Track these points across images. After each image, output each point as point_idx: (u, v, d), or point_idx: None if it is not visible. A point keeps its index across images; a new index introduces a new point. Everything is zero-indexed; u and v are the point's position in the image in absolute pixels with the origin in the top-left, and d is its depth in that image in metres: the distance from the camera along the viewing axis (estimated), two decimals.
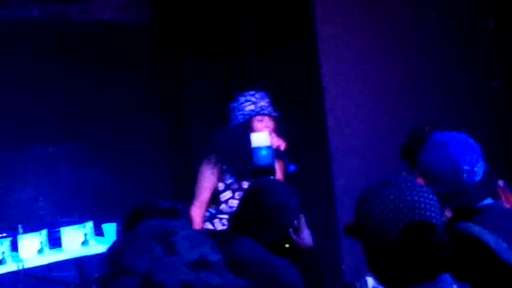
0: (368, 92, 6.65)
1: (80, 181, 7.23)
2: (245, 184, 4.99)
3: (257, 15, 6.95)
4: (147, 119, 6.38)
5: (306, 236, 3.62)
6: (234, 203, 4.96)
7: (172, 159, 7.54)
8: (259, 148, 3.95)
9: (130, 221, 3.16)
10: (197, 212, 5.09)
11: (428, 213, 2.21)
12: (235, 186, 5.07)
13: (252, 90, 5.18)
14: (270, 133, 4.86)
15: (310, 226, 3.78)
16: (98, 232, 6.37)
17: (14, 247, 5.75)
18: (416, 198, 2.20)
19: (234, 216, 3.64)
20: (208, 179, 5.09)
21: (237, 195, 5.03)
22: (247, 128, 4.95)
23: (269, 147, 3.97)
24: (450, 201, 2.89)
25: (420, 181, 2.80)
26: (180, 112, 7.62)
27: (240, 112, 5.05)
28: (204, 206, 5.14)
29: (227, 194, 5.08)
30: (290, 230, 3.53)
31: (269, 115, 5.06)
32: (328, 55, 6.53)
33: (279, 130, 5.09)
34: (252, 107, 5.04)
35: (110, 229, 6.26)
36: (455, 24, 6.78)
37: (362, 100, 6.63)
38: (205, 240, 2.05)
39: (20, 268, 5.53)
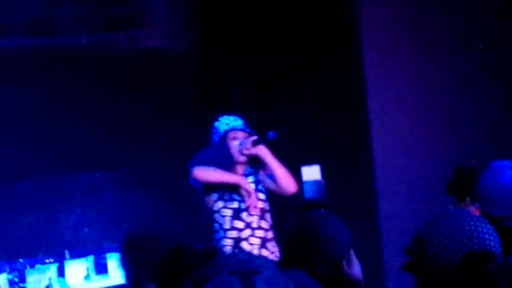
0: (413, 120, 6.65)
1: (125, 206, 7.27)
2: (236, 195, 5.35)
3: (304, 45, 6.98)
4: (193, 147, 6.38)
5: (356, 270, 3.61)
6: (227, 211, 5.37)
7: None
8: (309, 182, 3.96)
9: (169, 263, 3.23)
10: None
11: (487, 242, 2.21)
12: (226, 196, 5.37)
13: (226, 114, 5.57)
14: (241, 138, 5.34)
15: (355, 253, 3.79)
16: None
17: (61, 272, 5.80)
18: (473, 227, 2.21)
19: (284, 249, 3.65)
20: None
21: (228, 204, 5.36)
22: (224, 145, 5.39)
23: (319, 181, 3.99)
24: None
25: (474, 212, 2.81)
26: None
27: (217, 134, 5.44)
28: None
29: (219, 204, 5.38)
30: (343, 263, 3.52)
31: (242, 130, 5.41)
32: (374, 83, 6.55)
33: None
34: (225, 126, 5.42)
35: None
36: (499, 56, 6.76)
37: (407, 128, 6.63)
38: (287, 284, 2.03)
39: None
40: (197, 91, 7.71)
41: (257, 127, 7.30)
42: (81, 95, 7.14)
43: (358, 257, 3.75)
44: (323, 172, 3.79)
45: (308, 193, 3.98)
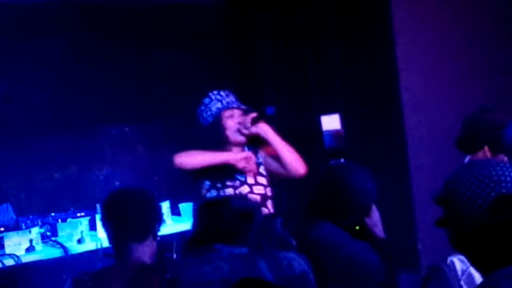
0: (444, 72, 6.59)
1: (155, 160, 7.31)
2: (230, 182, 4.84)
3: None
4: None
5: (376, 219, 3.61)
6: None
7: None
8: (329, 131, 3.92)
9: (202, 213, 3.19)
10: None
11: None
12: (219, 184, 4.85)
13: (216, 90, 5.04)
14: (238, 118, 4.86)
15: (385, 206, 3.77)
16: (175, 211, 6.44)
17: (93, 226, 5.83)
18: (500, 172, 2.21)
19: (311, 200, 3.63)
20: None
21: (222, 192, 4.83)
22: (218, 126, 4.87)
23: (338, 130, 3.93)
24: None
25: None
26: (254, 95, 7.65)
27: (209, 113, 4.93)
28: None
29: (212, 193, 4.85)
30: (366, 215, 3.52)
31: (237, 108, 4.94)
32: (403, 34, 6.48)
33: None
34: (218, 104, 4.92)
35: (187, 208, 6.32)
36: None
37: (438, 80, 6.57)
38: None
39: (99, 247, 5.61)
40: (224, 44, 7.70)
41: (287, 82, 7.31)
42: (112, 49, 7.16)
43: (389, 210, 3.75)
44: (345, 121, 3.76)
45: (328, 142, 3.95)
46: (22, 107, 6.57)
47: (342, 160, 3.78)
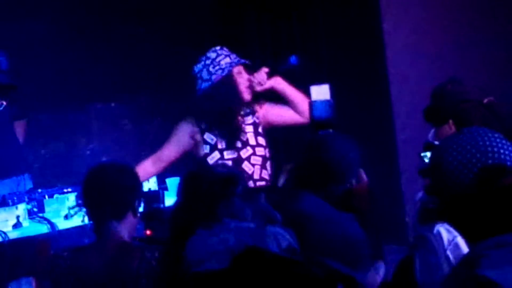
0: (431, 47, 6.58)
1: (142, 135, 7.29)
2: (234, 142, 4.76)
3: None
4: None
5: (364, 185, 3.56)
6: (226, 163, 4.61)
7: None
8: (318, 102, 3.88)
9: (187, 184, 3.17)
10: (146, 166, 4.92)
11: (502, 156, 2.21)
12: (222, 145, 4.76)
13: (218, 46, 4.86)
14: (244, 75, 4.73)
15: (372, 180, 3.76)
16: (162, 186, 6.42)
17: (80, 202, 5.81)
18: (488, 143, 2.22)
19: (294, 171, 3.61)
20: (177, 138, 4.86)
21: (226, 154, 4.76)
22: (229, 82, 4.72)
23: (328, 101, 3.90)
24: None
25: None
26: None
27: (217, 67, 4.74)
28: (159, 164, 4.95)
29: (215, 155, 4.76)
30: (352, 180, 3.49)
31: (245, 64, 4.79)
32: (390, 9, 6.48)
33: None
34: (227, 59, 4.76)
35: (174, 182, 6.30)
36: None
37: (425, 54, 6.57)
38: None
39: (86, 222, 5.59)
40: (213, 18, 7.67)
41: (274, 57, 7.29)
42: (96, 25, 7.12)
43: (376, 183, 3.73)
44: (334, 92, 3.73)
45: (317, 112, 3.90)
46: None
47: (331, 131, 3.75)
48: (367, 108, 6.63)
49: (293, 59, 4.92)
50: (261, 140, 4.87)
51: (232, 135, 4.75)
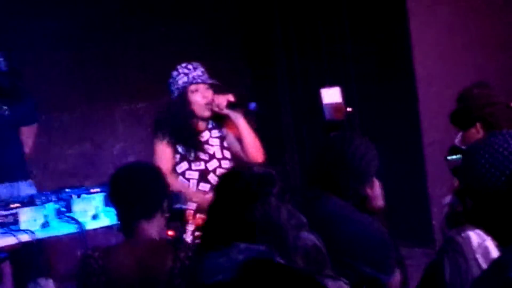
0: (457, 48, 6.57)
1: None
2: (202, 155, 4.95)
3: None
4: (233, 78, 6.46)
5: (377, 192, 3.53)
6: (192, 174, 4.95)
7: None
8: (329, 104, 3.89)
9: (224, 184, 3.15)
10: (175, 181, 4.91)
11: None
12: (191, 156, 4.96)
13: (184, 63, 5.07)
14: (211, 97, 4.90)
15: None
16: None
17: (107, 202, 5.82)
18: None
19: (310, 171, 3.57)
20: (162, 151, 5.00)
21: (193, 165, 4.95)
22: (184, 100, 4.93)
23: (339, 104, 3.90)
24: None
25: None
26: (269, 85, 7.69)
27: (175, 86, 4.99)
28: (173, 174, 4.96)
29: (184, 165, 4.97)
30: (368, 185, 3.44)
31: (202, 83, 4.97)
32: (417, 8, 6.47)
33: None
34: (185, 79, 4.97)
35: None
36: None
37: (451, 55, 6.55)
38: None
39: (114, 223, 5.61)
40: (239, 21, 7.70)
41: (299, 62, 7.28)
42: (120, 25, 7.16)
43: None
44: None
45: (328, 115, 3.92)
46: (34, 85, 6.57)
47: (344, 132, 3.74)
48: (393, 110, 6.63)
49: (252, 105, 5.01)
50: (227, 154, 5.07)
51: (195, 148, 4.96)
